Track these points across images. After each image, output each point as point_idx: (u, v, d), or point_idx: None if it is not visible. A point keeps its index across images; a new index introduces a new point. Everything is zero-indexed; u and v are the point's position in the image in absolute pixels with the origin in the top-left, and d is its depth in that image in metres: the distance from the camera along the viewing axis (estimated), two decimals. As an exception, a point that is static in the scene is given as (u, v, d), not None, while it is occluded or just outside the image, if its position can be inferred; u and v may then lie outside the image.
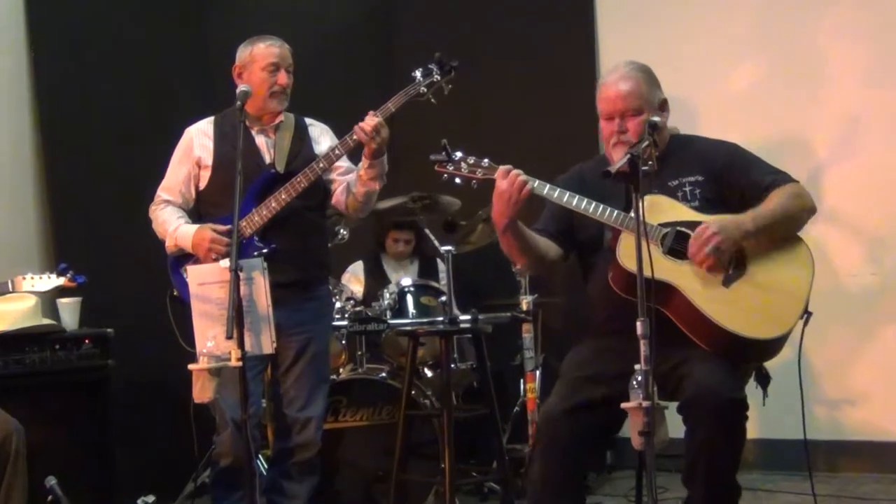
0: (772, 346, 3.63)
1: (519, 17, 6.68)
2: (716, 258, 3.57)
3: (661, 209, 3.70)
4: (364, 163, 4.46)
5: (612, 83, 3.82)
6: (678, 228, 3.66)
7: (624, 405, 3.27)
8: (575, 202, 3.70)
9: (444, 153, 3.81)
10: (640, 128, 3.72)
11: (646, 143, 3.50)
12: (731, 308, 3.57)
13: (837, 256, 5.72)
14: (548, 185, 3.73)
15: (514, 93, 6.60)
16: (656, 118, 3.66)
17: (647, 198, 3.62)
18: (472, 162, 3.79)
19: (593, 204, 3.68)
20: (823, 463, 5.72)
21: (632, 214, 3.60)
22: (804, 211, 3.72)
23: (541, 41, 6.59)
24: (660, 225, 3.67)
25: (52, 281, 4.54)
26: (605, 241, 3.78)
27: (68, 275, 4.54)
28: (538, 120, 6.45)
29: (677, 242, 3.65)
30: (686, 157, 3.85)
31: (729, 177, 3.78)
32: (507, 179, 3.66)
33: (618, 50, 6.34)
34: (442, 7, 6.92)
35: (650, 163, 3.54)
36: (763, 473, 5.70)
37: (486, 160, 3.78)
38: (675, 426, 3.39)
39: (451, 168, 3.81)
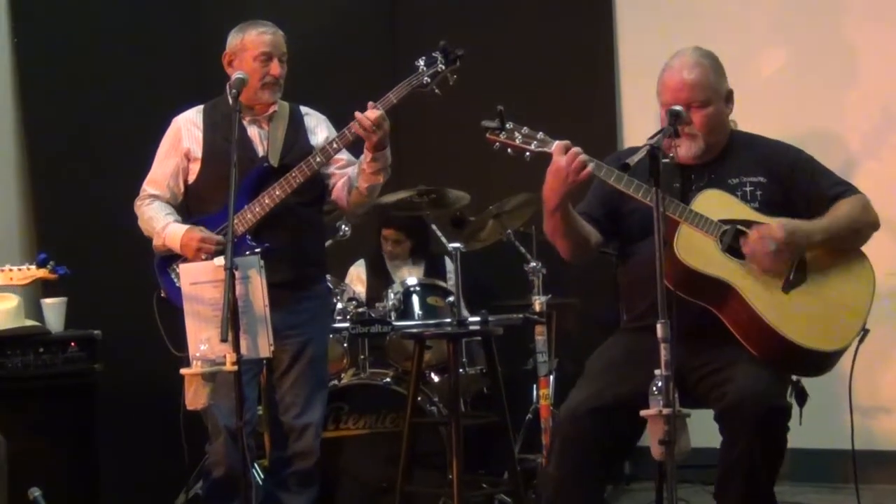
0: (828, 360, 3.64)
1: (535, 10, 6.63)
2: (774, 260, 3.55)
3: (722, 205, 3.70)
4: (366, 156, 4.42)
5: (678, 70, 3.77)
6: (738, 227, 3.64)
7: (643, 413, 3.25)
8: (633, 188, 3.65)
9: (497, 120, 3.74)
10: (706, 121, 3.71)
11: (666, 133, 3.49)
12: (790, 315, 3.56)
13: (872, 254, 5.69)
14: (605, 167, 3.68)
15: (527, 82, 6.55)
16: (678, 107, 3.63)
17: (707, 192, 3.64)
18: (525, 132, 3.73)
19: (652, 191, 3.64)
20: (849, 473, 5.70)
21: (692, 208, 3.60)
22: (869, 226, 3.76)
23: (556, 30, 6.55)
24: (720, 221, 3.65)
25: (31, 272, 4.47)
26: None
27: (48, 265, 4.47)
28: (552, 113, 6.37)
29: (737, 241, 3.64)
30: (748, 156, 3.84)
31: (794, 183, 3.78)
32: (567, 156, 3.61)
33: (637, 43, 6.32)
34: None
35: (671, 155, 3.53)
36: (793, 485, 5.69)
37: (541, 133, 3.72)
38: (696, 435, 3.36)
39: (503, 137, 3.74)
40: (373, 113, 4.28)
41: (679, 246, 3.58)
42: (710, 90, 3.74)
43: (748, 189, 3.76)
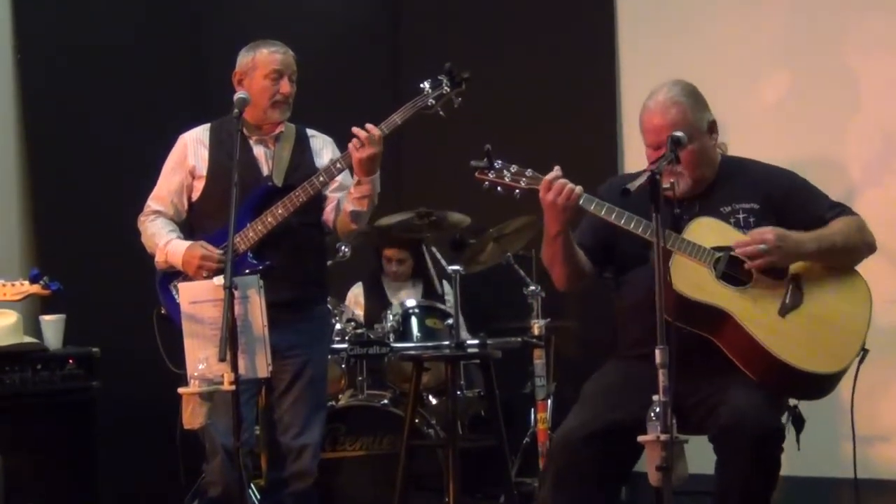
0: (828, 382, 3.64)
1: (535, 26, 6.66)
2: (764, 259, 3.57)
3: (714, 232, 3.71)
4: (354, 179, 4.45)
5: (656, 111, 3.78)
6: (731, 253, 3.66)
7: (641, 438, 3.26)
8: (623, 220, 3.69)
9: (485, 160, 3.78)
10: (691, 158, 3.71)
11: (666, 161, 3.51)
12: (788, 339, 3.57)
13: (873, 282, 5.69)
14: (595, 200, 3.71)
15: (529, 105, 6.57)
16: (679, 133, 3.64)
17: (699, 219, 3.66)
18: (514, 171, 3.77)
19: (643, 223, 3.66)
20: (850, 502, 5.69)
21: (683, 236, 3.62)
22: (865, 245, 3.77)
23: (558, 52, 6.56)
24: (713, 248, 3.67)
25: (24, 288, 4.46)
26: (651, 261, 3.76)
27: (41, 281, 4.47)
28: (554, 135, 6.42)
29: (731, 268, 3.65)
30: (740, 182, 3.84)
31: (788, 208, 3.78)
32: (553, 191, 3.65)
33: (639, 62, 6.32)
34: (453, 15, 6.91)
35: (672, 181, 3.54)
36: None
37: (529, 170, 3.76)
38: (694, 461, 3.37)
39: (492, 176, 3.78)
40: (374, 129, 4.30)
41: (673, 275, 3.58)
42: (689, 128, 3.72)
43: (741, 216, 3.77)
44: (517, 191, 3.77)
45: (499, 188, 3.79)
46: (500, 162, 3.78)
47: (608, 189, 3.94)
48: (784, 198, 3.80)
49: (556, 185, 3.66)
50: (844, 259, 3.74)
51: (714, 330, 3.59)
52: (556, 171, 3.70)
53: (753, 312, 3.60)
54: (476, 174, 3.81)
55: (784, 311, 3.64)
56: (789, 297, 3.66)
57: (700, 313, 3.52)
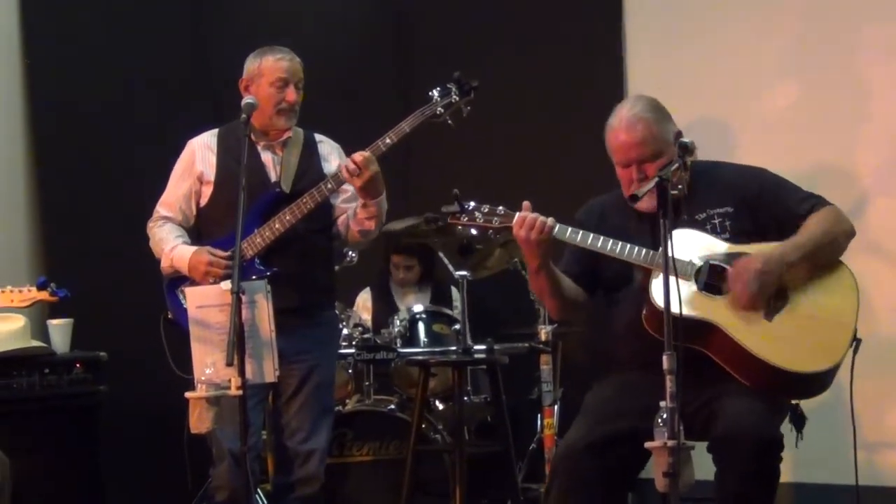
0: (822, 380, 3.63)
1: (543, 34, 6.65)
2: (756, 293, 3.57)
3: (693, 243, 3.70)
4: (359, 202, 4.46)
5: (621, 130, 3.78)
6: (711, 262, 3.65)
7: (648, 444, 3.26)
8: (600, 244, 3.70)
9: (455, 203, 3.81)
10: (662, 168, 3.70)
11: (675, 165, 3.51)
12: (777, 342, 3.56)
13: (882, 289, 5.69)
14: (569, 229, 3.73)
15: (536, 115, 6.57)
16: (687, 140, 3.65)
17: (676, 232, 3.61)
18: (486, 211, 3.80)
19: (619, 244, 3.68)
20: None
21: (671, 243, 3.61)
22: (844, 235, 3.73)
23: (566, 62, 6.55)
24: (691, 261, 3.67)
25: (31, 294, 4.49)
26: (636, 280, 3.77)
27: (48, 288, 4.49)
28: (561, 145, 6.42)
29: (712, 277, 3.65)
30: (711, 187, 3.83)
31: (762, 207, 3.77)
32: (525, 227, 3.67)
33: (647, 72, 6.31)
34: (462, 22, 6.91)
35: (679, 186, 3.55)
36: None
37: (501, 208, 3.78)
38: (701, 467, 3.37)
39: (465, 219, 3.81)
40: (359, 156, 4.29)
41: (654, 293, 3.57)
42: (656, 142, 3.73)
43: (717, 221, 3.76)
44: (490, 231, 3.81)
45: (473, 230, 3.85)
46: (471, 204, 3.81)
47: (586, 212, 3.96)
48: (757, 197, 3.78)
49: (527, 221, 3.68)
50: (829, 255, 3.71)
51: (703, 342, 3.58)
52: (526, 206, 3.72)
53: (739, 320, 3.59)
54: (448, 220, 3.85)
55: (770, 315, 3.63)
56: (774, 299, 3.64)
57: (687, 327, 3.49)
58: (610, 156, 3.86)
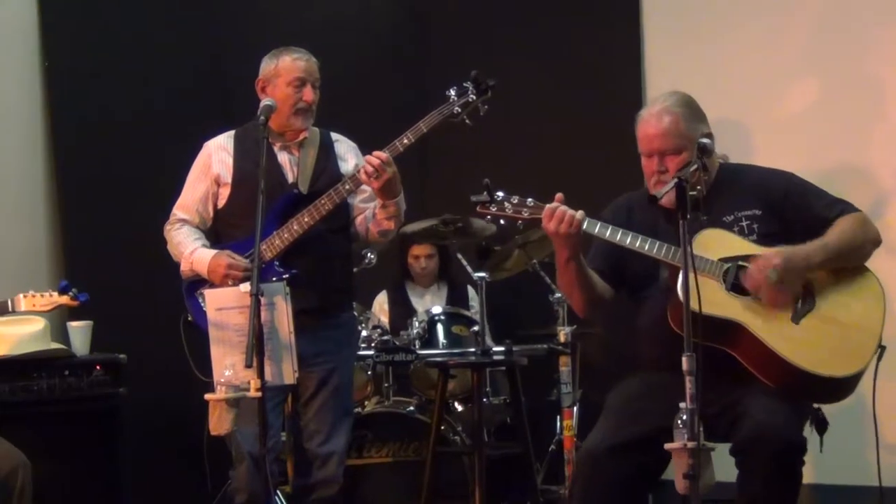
0: (847, 385, 3.63)
1: (561, 36, 6.65)
2: (777, 289, 3.56)
3: (721, 244, 3.70)
4: (378, 202, 4.46)
5: (650, 119, 3.81)
6: (740, 263, 3.65)
7: (668, 446, 3.26)
8: (629, 240, 3.71)
9: (485, 193, 3.81)
10: (681, 167, 3.70)
11: (694, 167, 3.51)
12: (803, 345, 3.56)
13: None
14: (599, 224, 3.74)
15: (555, 115, 6.57)
16: (706, 140, 3.65)
17: (704, 232, 3.64)
18: (516, 202, 3.80)
19: (647, 241, 3.69)
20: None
21: (689, 244, 3.61)
22: (869, 242, 3.74)
23: (584, 62, 6.56)
24: (720, 260, 3.66)
25: (53, 299, 4.52)
26: (662, 278, 3.77)
27: (70, 293, 4.52)
28: (579, 145, 6.42)
29: (739, 278, 3.64)
30: (739, 189, 3.84)
31: (789, 210, 3.78)
32: (554, 220, 3.68)
33: (665, 72, 6.31)
34: (480, 22, 6.92)
35: (698, 188, 3.55)
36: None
37: (530, 199, 3.79)
38: (721, 469, 3.37)
39: (493, 209, 3.82)
40: (376, 158, 4.29)
41: (681, 290, 3.56)
42: (681, 137, 3.75)
43: (744, 224, 3.77)
44: (519, 221, 3.81)
45: (501, 221, 3.83)
46: (500, 194, 3.82)
47: (614, 209, 3.96)
48: (783, 200, 3.79)
49: (557, 214, 3.69)
50: (853, 259, 3.73)
51: (729, 342, 3.58)
52: (559, 198, 3.73)
53: (766, 322, 3.60)
54: (478, 208, 3.84)
55: (797, 317, 3.64)
56: (801, 302, 3.65)
57: (713, 327, 3.49)
58: (638, 148, 3.87)
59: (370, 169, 4.28)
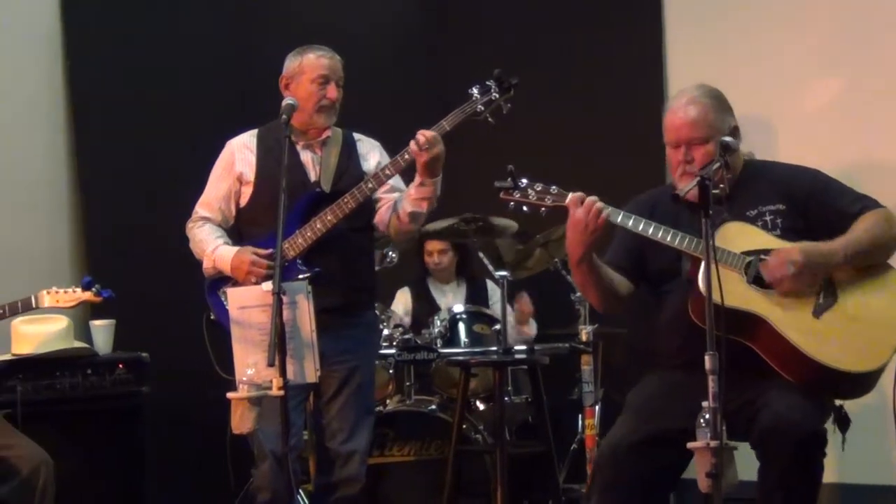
0: (867, 380, 3.63)
1: (582, 35, 6.65)
2: (795, 282, 3.55)
3: (744, 237, 3.70)
4: (416, 180, 4.44)
5: (678, 109, 3.81)
6: (762, 256, 3.65)
7: (690, 445, 3.25)
8: (651, 230, 3.71)
9: (509, 179, 3.80)
10: (707, 158, 3.70)
11: (717, 164, 3.50)
12: (824, 340, 3.56)
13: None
14: (622, 213, 3.73)
15: (576, 114, 6.56)
16: (728, 138, 3.65)
17: (728, 225, 3.64)
18: (539, 189, 3.79)
19: (671, 232, 3.68)
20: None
21: (712, 242, 3.61)
22: (893, 238, 3.72)
23: (605, 62, 6.55)
24: (743, 253, 3.66)
25: (76, 295, 4.53)
26: (683, 271, 3.76)
27: (93, 289, 4.53)
28: (601, 144, 6.41)
29: (761, 271, 3.64)
30: (764, 185, 3.84)
31: (813, 206, 3.77)
32: (583, 208, 3.67)
33: (687, 69, 6.29)
34: (499, 23, 6.91)
35: (721, 185, 3.54)
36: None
37: (554, 187, 3.78)
38: (744, 468, 3.36)
39: (517, 195, 3.81)
40: (429, 132, 4.29)
41: (702, 281, 3.55)
42: (708, 127, 3.76)
43: (768, 218, 3.77)
44: (542, 209, 3.80)
45: (524, 208, 3.82)
46: (524, 181, 3.81)
47: (635, 205, 3.95)
48: (807, 195, 3.79)
49: (587, 202, 3.68)
50: (876, 257, 3.72)
51: (749, 335, 3.58)
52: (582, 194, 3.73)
53: (788, 315, 3.59)
54: (501, 195, 3.83)
55: (818, 312, 3.63)
56: (823, 296, 3.65)
57: (734, 320, 3.49)
58: (664, 139, 3.87)
59: (422, 140, 4.27)
